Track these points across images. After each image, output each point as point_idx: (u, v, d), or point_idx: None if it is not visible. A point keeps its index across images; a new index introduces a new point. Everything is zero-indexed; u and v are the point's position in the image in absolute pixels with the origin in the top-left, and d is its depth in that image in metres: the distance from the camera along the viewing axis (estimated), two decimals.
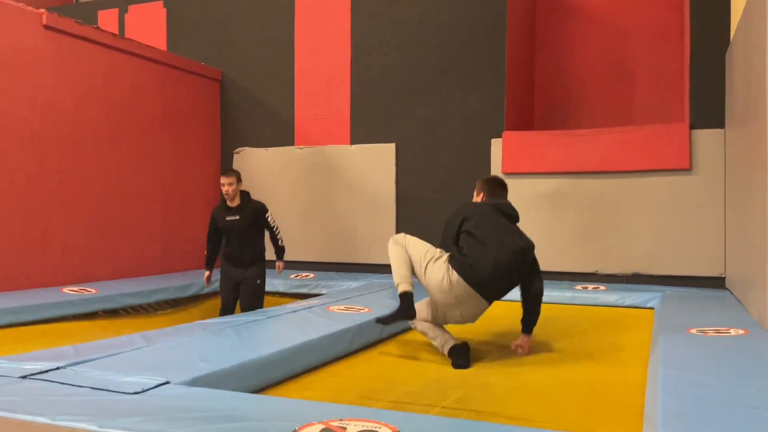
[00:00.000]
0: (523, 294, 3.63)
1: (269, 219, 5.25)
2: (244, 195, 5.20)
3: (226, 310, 5.31)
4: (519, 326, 3.75)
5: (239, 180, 5.18)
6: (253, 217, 5.16)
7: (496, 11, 6.38)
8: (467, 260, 3.40)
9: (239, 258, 5.14)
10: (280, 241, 5.32)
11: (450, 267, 3.41)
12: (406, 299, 3.39)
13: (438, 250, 3.54)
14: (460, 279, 3.37)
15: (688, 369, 2.54)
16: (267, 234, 5.32)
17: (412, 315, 3.43)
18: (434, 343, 3.53)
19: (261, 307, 5.32)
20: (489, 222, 3.54)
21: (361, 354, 3.60)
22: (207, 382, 2.47)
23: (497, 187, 3.84)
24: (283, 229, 7.11)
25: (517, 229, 3.65)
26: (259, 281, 5.22)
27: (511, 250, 3.46)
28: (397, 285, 3.46)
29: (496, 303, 4.85)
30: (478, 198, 3.83)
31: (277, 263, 5.39)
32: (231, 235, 5.18)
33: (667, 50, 6.76)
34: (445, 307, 3.48)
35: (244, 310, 5.34)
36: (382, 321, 3.53)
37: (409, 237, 3.68)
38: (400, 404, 2.61)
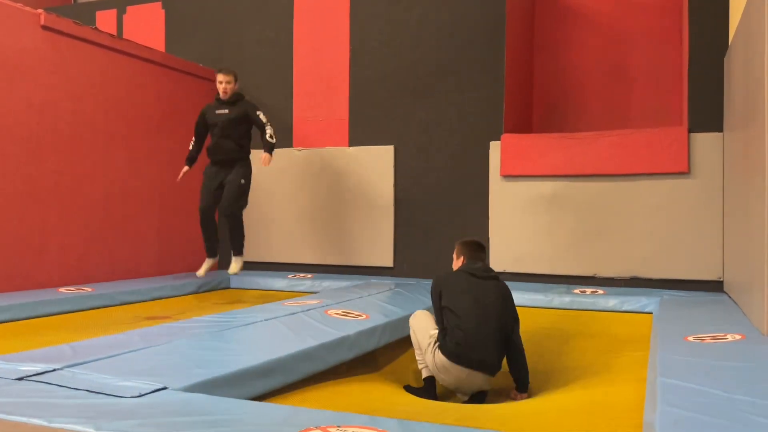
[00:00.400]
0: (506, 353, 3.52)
1: (259, 115, 5.28)
2: (238, 94, 5.30)
3: (206, 210, 5.38)
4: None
5: (236, 80, 5.30)
6: (242, 110, 5.25)
7: (494, 14, 6.39)
8: (452, 342, 3.35)
9: (223, 153, 5.19)
10: (267, 136, 5.24)
11: (436, 356, 3.40)
12: (428, 383, 3.52)
13: (432, 334, 3.52)
14: (453, 364, 3.34)
15: (686, 377, 2.54)
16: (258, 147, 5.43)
17: (434, 398, 3.47)
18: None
19: (242, 207, 5.39)
20: (465, 293, 3.48)
21: (359, 373, 3.56)
22: (204, 387, 2.46)
23: (476, 249, 3.80)
24: (281, 231, 7.15)
25: (497, 291, 3.54)
26: (243, 181, 5.24)
27: (493, 321, 3.41)
28: (420, 370, 3.60)
29: None
30: (458, 261, 3.78)
31: (263, 155, 5.30)
32: (217, 129, 5.30)
33: (665, 54, 6.77)
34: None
35: (222, 207, 5.44)
36: (407, 389, 3.62)
37: (416, 318, 3.73)
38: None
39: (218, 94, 5.45)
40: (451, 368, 3.36)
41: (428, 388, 3.51)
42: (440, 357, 3.38)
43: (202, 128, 5.44)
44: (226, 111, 5.26)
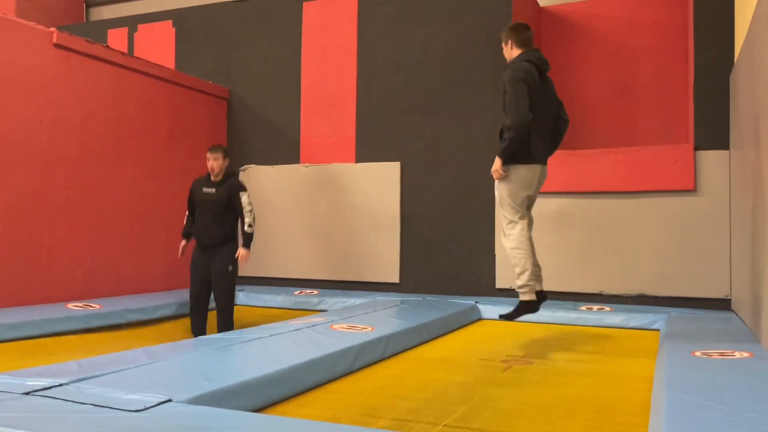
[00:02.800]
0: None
1: (241, 199, 5.10)
2: (228, 173, 5.20)
3: (196, 299, 5.18)
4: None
5: (225, 156, 5.17)
6: (228, 192, 5.11)
7: (500, 32, 6.42)
8: (528, 147, 4.00)
9: (208, 235, 5.06)
10: (246, 225, 5.06)
11: (519, 168, 4.03)
12: (535, 306, 4.16)
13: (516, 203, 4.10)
14: (534, 166, 4.08)
15: (692, 392, 2.53)
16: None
17: (536, 310, 4.19)
18: (524, 275, 4.10)
19: (232, 296, 5.22)
20: (541, 93, 4.05)
21: (364, 370, 3.59)
22: (209, 400, 2.47)
23: (526, 30, 4.19)
24: (287, 247, 7.17)
25: (553, 90, 4.26)
26: (231, 268, 5.08)
27: (552, 114, 4.22)
28: (523, 292, 4.13)
29: (498, 323, 4.84)
30: (509, 48, 4.16)
31: (240, 250, 5.11)
32: (203, 209, 5.14)
33: (671, 72, 6.79)
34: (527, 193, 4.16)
35: (218, 307, 5.20)
36: (506, 317, 4.23)
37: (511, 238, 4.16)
38: (402, 422, 2.61)
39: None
40: (533, 171, 4.07)
41: (535, 308, 4.14)
42: (528, 167, 4.02)
43: (191, 205, 5.33)
44: (213, 191, 5.12)
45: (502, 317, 4.29)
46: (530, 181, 4.12)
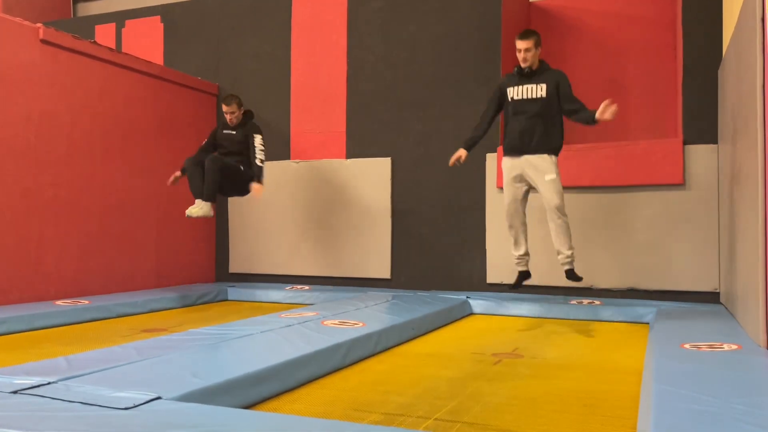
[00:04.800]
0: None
1: (255, 139, 5.58)
2: (247, 115, 5.56)
3: (191, 161, 5.60)
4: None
5: (240, 106, 5.57)
6: (244, 134, 5.63)
7: (490, 27, 6.44)
8: None
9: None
10: (257, 160, 5.46)
11: None
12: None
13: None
14: None
15: (681, 384, 2.55)
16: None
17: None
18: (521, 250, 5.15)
19: (223, 170, 5.48)
20: None
21: (354, 366, 3.60)
22: (198, 397, 2.46)
23: None
24: (278, 243, 7.16)
25: None
26: (242, 168, 5.57)
27: None
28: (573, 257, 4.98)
29: (488, 317, 4.83)
30: (537, 53, 4.90)
31: (253, 185, 5.48)
32: (224, 147, 5.66)
33: (660, 66, 6.81)
34: None
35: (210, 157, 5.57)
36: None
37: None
38: (393, 417, 2.61)
39: None
40: None
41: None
42: None
43: (210, 144, 5.74)
44: (233, 132, 5.68)
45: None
46: None
